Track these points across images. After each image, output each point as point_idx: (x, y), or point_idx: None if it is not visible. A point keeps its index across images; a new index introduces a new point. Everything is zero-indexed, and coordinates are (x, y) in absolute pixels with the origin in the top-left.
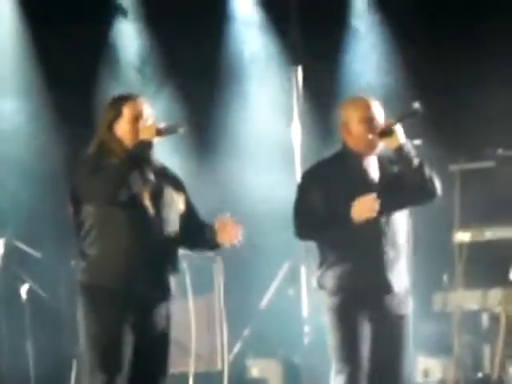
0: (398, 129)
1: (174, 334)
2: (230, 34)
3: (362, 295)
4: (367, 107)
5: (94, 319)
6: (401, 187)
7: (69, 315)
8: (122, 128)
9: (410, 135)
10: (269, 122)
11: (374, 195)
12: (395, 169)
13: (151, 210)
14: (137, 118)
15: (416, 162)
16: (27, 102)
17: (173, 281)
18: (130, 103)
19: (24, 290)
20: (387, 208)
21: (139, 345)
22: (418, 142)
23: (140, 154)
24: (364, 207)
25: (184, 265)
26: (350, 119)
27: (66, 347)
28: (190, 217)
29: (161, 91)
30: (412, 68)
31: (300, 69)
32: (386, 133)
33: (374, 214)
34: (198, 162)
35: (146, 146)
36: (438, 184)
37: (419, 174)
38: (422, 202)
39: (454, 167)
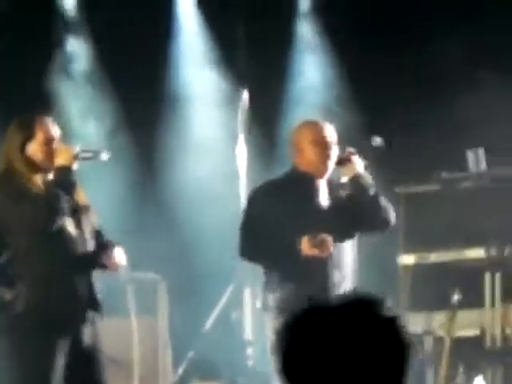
0: (357, 159)
1: (118, 355)
2: (175, 56)
3: None
4: (320, 130)
5: (26, 349)
6: (352, 213)
7: None
8: (35, 151)
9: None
10: (214, 145)
11: (331, 238)
12: (343, 193)
13: (74, 233)
14: (50, 139)
15: (372, 191)
16: None
17: (100, 296)
18: (41, 124)
19: None
20: (339, 240)
21: (71, 367)
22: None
23: (63, 181)
24: (320, 246)
25: (128, 286)
26: (302, 141)
27: None
28: (99, 236)
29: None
30: (358, 86)
31: (246, 91)
32: (344, 161)
33: (326, 254)
34: (142, 183)
35: (67, 172)
36: (392, 214)
37: (374, 203)
38: (375, 231)
39: (399, 189)
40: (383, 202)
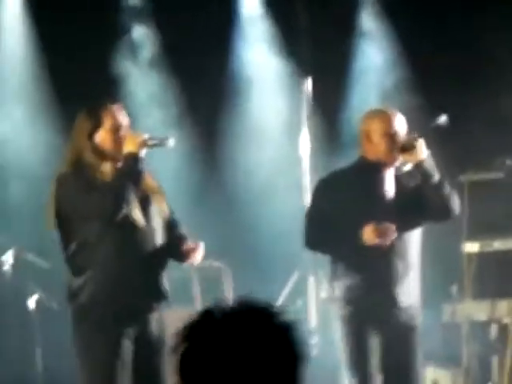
0: (420, 144)
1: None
2: (237, 43)
3: (370, 307)
4: (391, 121)
5: (93, 338)
6: (417, 203)
7: None
8: (103, 138)
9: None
10: (277, 135)
11: (393, 227)
12: (412, 183)
13: (142, 222)
14: (118, 126)
15: (436, 178)
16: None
17: (167, 286)
18: (108, 111)
19: (33, 300)
20: (403, 229)
21: (137, 357)
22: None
23: (131, 169)
24: (381, 235)
25: (192, 275)
26: (372, 131)
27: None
28: (173, 226)
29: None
30: (420, 71)
31: (309, 80)
32: (408, 147)
33: (388, 243)
34: (205, 175)
35: (135, 159)
36: (456, 203)
37: (438, 191)
38: (439, 220)
39: (462, 178)
40: (447, 189)
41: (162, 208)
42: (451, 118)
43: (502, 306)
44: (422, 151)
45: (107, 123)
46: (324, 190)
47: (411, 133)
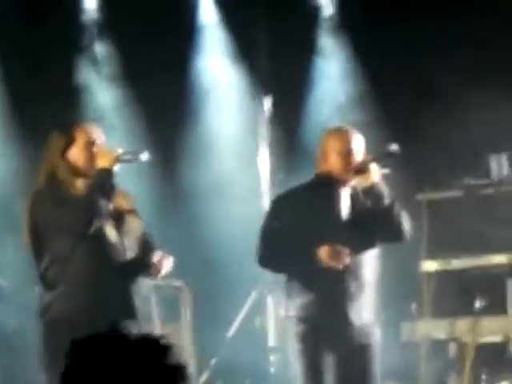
0: (373, 167)
1: None
2: (197, 62)
3: (323, 326)
4: (348, 140)
5: (59, 355)
6: (371, 222)
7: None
8: (76, 155)
9: (380, 164)
10: (236, 152)
11: (347, 251)
12: (368, 204)
13: (114, 239)
14: (91, 143)
15: (387, 202)
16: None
17: (139, 305)
18: (81, 129)
19: None
20: (357, 249)
21: None
22: (385, 171)
23: (102, 183)
24: (335, 257)
25: (151, 294)
26: (329, 148)
27: (33, 375)
28: (145, 242)
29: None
30: (380, 91)
31: (269, 98)
32: (361, 170)
33: (341, 267)
34: (164, 191)
35: (107, 174)
36: (408, 225)
37: (390, 213)
38: (391, 242)
39: (420, 196)
40: (398, 212)
41: (135, 228)
42: (407, 136)
43: (461, 324)
44: (375, 174)
45: (80, 140)
46: (279, 207)
47: (366, 155)
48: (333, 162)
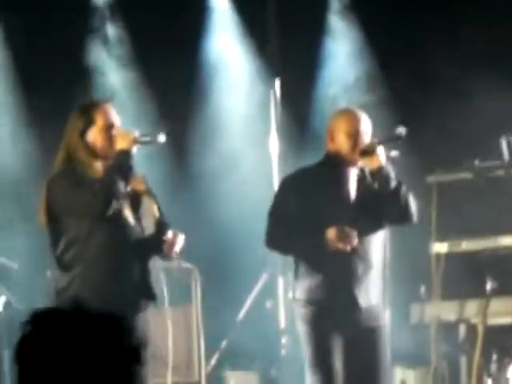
0: (380, 150)
1: (151, 345)
2: (207, 44)
3: (330, 308)
4: (356, 122)
5: None
6: (379, 203)
7: None
8: (95, 136)
9: (387, 147)
10: (246, 134)
11: (355, 233)
12: (375, 184)
13: (132, 220)
14: (110, 125)
15: (393, 185)
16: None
17: (155, 286)
18: (101, 110)
19: (0, 302)
20: (364, 231)
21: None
22: (394, 153)
23: (121, 165)
24: (343, 240)
25: (161, 276)
26: (337, 130)
27: None
28: (160, 224)
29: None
30: (390, 73)
31: (278, 80)
32: (368, 152)
33: (349, 249)
34: (173, 173)
35: (126, 156)
36: (414, 209)
37: (395, 197)
38: (399, 224)
39: (431, 178)
40: (405, 194)
41: (152, 208)
42: (417, 118)
43: (471, 306)
44: (382, 157)
45: (99, 122)
46: (288, 188)
47: (373, 138)
48: (340, 143)
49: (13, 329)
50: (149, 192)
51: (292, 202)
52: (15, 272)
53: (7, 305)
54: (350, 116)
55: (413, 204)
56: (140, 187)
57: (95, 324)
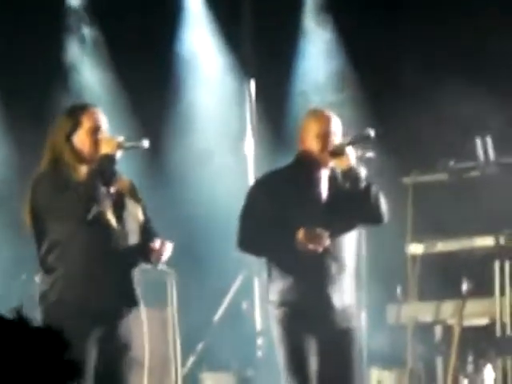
0: (349, 150)
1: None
2: (181, 42)
3: (304, 309)
4: (325, 122)
5: None
6: (350, 204)
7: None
8: (81, 140)
9: (362, 147)
10: (221, 135)
11: (326, 234)
12: (347, 185)
13: (115, 224)
14: (96, 129)
15: (363, 185)
16: None
17: (138, 291)
18: (88, 113)
19: None
20: (337, 231)
21: (102, 359)
22: (370, 154)
23: (104, 169)
24: (314, 241)
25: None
26: (306, 131)
27: None
28: (145, 227)
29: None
30: (365, 75)
31: (253, 81)
32: (337, 153)
33: (320, 250)
34: (149, 172)
35: (110, 160)
36: (384, 209)
37: (366, 197)
38: (368, 224)
39: (406, 179)
40: (375, 195)
41: (136, 212)
42: (395, 120)
43: (447, 307)
44: (351, 157)
45: (86, 124)
46: (258, 189)
47: (343, 139)
48: (310, 144)
49: None
50: (135, 196)
51: (263, 204)
52: None
53: None
54: (320, 117)
55: (384, 204)
56: (125, 190)
57: (34, 337)
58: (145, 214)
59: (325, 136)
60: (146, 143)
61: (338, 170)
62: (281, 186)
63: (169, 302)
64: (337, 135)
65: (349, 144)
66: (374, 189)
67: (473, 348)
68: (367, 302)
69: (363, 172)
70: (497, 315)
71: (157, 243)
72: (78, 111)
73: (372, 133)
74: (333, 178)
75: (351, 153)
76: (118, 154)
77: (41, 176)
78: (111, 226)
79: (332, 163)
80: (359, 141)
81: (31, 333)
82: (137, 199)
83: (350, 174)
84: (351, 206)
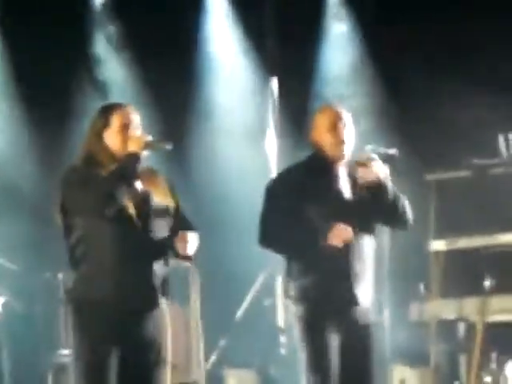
0: (377, 164)
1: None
2: (205, 45)
3: (326, 306)
4: (335, 117)
5: (83, 336)
6: (373, 205)
7: (45, 327)
8: (111, 137)
9: (386, 145)
10: (243, 132)
11: (349, 229)
12: (374, 195)
13: (138, 222)
14: (125, 127)
15: (391, 198)
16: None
17: (161, 288)
18: (118, 112)
19: (0, 303)
20: (360, 230)
21: (125, 356)
22: (393, 151)
23: (126, 167)
24: (338, 236)
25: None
26: (318, 126)
27: (42, 360)
28: (178, 224)
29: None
30: (387, 76)
31: (275, 78)
32: (363, 164)
33: (342, 245)
34: (174, 173)
35: (135, 159)
36: (410, 218)
37: (393, 210)
38: (394, 228)
39: (430, 177)
40: (402, 207)
41: (166, 209)
42: (419, 119)
43: (470, 304)
44: (377, 170)
45: (115, 123)
46: (278, 186)
47: (367, 154)
48: (323, 138)
49: (11, 329)
50: (168, 193)
51: (284, 200)
52: (14, 273)
53: (6, 305)
54: (328, 111)
55: (410, 213)
56: (155, 187)
57: None
58: (177, 210)
59: (334, 128)
60: (169, 146)
61: (363, 181)
62: (299, 181)
63: (191, 299)
64: (347, 126)
65: (373, 159)
66: (401, 201)
67: (496, 345)
68: (390, 300)
69: (390, 185)
70: None
71: (183, 236)
72: (108, 110)
73: (395, 153)
74: (351, 174)
75: (377, 165)
76: (145, 153)
77: (71, 170)
78: (134, 224)
79: (359, 173)
80: (383, 160)
81: None
82: (166, 192)
83: (377, 187)
84: (375, 209)
